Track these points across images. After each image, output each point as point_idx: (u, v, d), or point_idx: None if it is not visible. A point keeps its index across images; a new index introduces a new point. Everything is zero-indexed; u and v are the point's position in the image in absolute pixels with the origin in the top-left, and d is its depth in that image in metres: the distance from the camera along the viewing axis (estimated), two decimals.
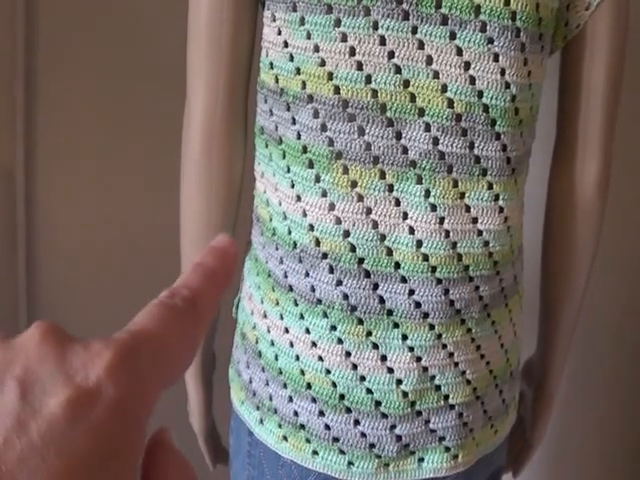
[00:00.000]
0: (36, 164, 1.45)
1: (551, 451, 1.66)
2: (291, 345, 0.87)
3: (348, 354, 0.84)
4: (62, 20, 1.40)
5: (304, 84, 0.82)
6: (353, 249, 0.83)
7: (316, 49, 0.80)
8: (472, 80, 0.80)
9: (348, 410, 0.85)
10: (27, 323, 1.51)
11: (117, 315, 1.57)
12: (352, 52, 0.79)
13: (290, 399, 0.88)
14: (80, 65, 1.43)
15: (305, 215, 0.84)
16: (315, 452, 0.87)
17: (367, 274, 0.83)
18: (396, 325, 0.84)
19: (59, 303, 1.53)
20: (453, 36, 0.79)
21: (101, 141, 1.47)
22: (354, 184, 0.82)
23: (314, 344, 0.85)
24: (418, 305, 0.84)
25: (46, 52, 1.41)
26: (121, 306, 1.53)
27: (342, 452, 0.86)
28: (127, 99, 1.45)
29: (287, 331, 0.87)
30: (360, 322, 0.84)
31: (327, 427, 0.86)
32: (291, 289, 0.87)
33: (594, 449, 1.71)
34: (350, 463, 0.86)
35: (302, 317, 0.86)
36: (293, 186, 0.85)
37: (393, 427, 0.86)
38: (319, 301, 0.85)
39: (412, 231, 0.82)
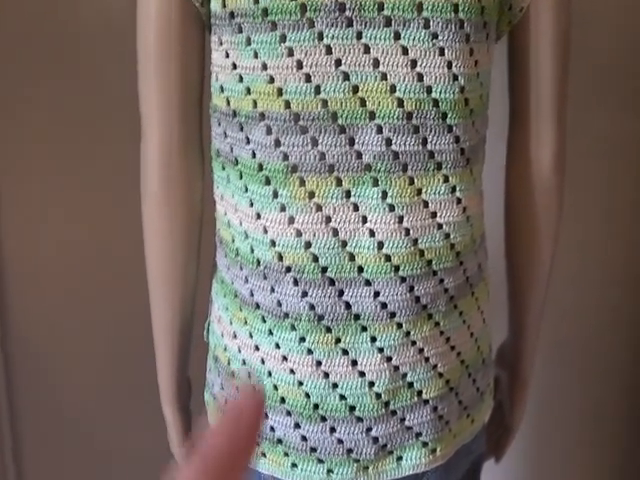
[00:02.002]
0: None
1: (531, 435, 1.67)
2: (262, 362, 0.87)
3: (319, 363, 0.84)
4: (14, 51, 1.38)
5: (255, 103, 0.82)
6: (315, 259, 0.82)
7: (264, 67, 0.80)
8: (420, 77, 0.80)
9: (323, 419, 0.86)
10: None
11: (86, 328, 1.56)
12: (299, 65, 0.79)
13: (265, 415, 0.88)
14: (40, 74, 1.41)
15: (266, 232, 0.84)
16: (294, 464, 0.87)
17: (331, 282, 0.83)
18: (364, 328, 0.84)
19: (29, 326, 1.52)
20: (398, 36, 0.79)
21: (64, 160, 1.46)
22: (311, 195, 0.82)
23: (285, 358, 0.85)
24: (384, 306, 0.84)
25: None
26: (90, 321, 1.54)
27: (320, 461, 0.86)
28: (87, 118, 1.44)
29: (257, 349, 0.87)
30: (328, 330, 0.84)
31: (304, 438, 0.86)
32: (258, 306, 0.87)
33: (574, 431, 1.73)
34: (329, 471, 0.87)
35: (271, 333, 0.86)
36: (252, 205, 0.85)
37: (369, 430, 0.86)
38: (286, 315, 0.84)
39: (372, 234, 0.82)
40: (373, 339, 0.84)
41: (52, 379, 1.57)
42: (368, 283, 0.83)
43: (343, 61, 0.79)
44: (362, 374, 0.85)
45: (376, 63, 0.79)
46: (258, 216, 0.84)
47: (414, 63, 0.79)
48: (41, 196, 1.47)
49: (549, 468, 1.75)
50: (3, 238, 1.48)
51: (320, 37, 0.78)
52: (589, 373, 1.68)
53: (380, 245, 0.82)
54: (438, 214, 0.84)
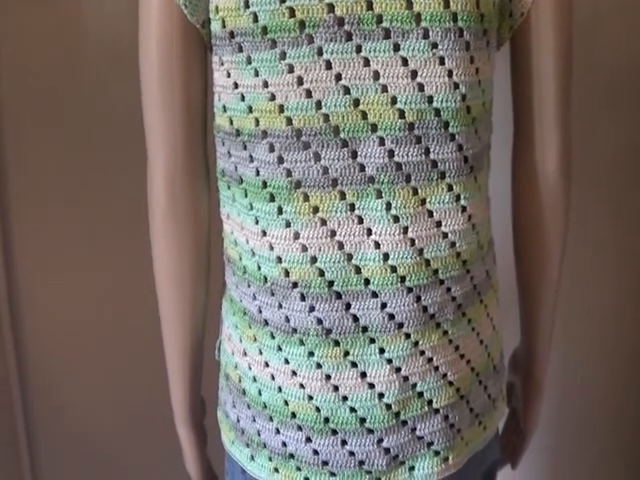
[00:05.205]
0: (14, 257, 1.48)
1: (546, 440, 1.66)
2: (272, 378, 0.87)
3: (328, 377, 0.84)
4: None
5: (257, 121, 0.82)
6: (322, 273, 0.82)
7: (265, 85, 0.80)
8: (421, 87, 0.80)
9: (334, 432, 0.86)
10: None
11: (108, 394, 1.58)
12: (300, 81, 0.79)
13: (277, 431, 0.88)
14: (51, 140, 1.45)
15: (272, 248, 0.84)
16: (307, 479, 0.87)
17: (338, 295, 0.83)
18: (372, 340, 0.84)
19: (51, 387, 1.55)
20: (397, 48, 0.79)
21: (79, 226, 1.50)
22: (316, 210, 0.82)
23: (294, 373, 0.85)
24: (392, 317, 0.84)
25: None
26: (111, 385, 1.55)
27: (333, 474, 0.87)
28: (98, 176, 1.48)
29: (267, 365, 0.88)
30: (336, 344, 0.84)
31: (315, 452, 0.86)
32: (267, 323, 0.87)
33: (590, 435, 1.71)
34: None
35: (280, 349, 0.86)
36: (257, 222, 0.85)
37: (380, 441, 0.86)
38: (294, 330, 0.84)
39: (378, 245, 0.82)
40: (382, 350, 0.84)
41: (66, 404, 1.59)
42: (375, 295, 0.83)
43: (343, 75, 0.79)
44: (372, 386, 0.85)
45: (376, 75, 0.79)
46: (264, 233, 0.85)
47: (414, 74, 0.79)
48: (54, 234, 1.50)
49: (564, 473, 1.74)
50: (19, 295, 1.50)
51: (320, 52, 0.78)
52: (606, 374, 1.67)
53: (386, 256, 0.82)
54: (443, 223, 0.84)
